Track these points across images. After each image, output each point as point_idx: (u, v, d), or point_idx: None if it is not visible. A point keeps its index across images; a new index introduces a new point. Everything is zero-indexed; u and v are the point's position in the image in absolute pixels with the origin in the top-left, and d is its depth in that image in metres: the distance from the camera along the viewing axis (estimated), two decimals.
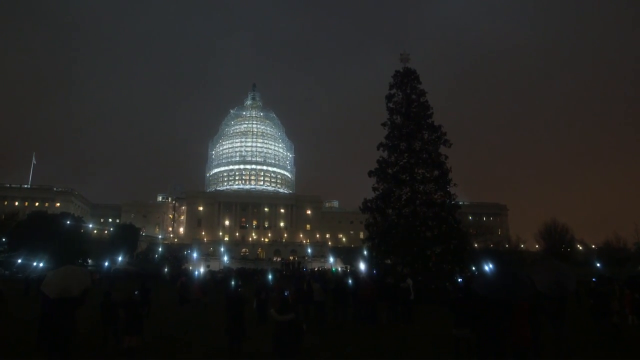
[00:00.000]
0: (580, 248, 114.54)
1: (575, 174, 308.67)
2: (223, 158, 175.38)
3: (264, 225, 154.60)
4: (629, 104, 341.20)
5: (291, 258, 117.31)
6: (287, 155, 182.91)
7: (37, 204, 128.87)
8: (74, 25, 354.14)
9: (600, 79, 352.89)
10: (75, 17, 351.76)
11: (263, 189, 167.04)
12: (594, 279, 30.35)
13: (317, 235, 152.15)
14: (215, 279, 49.35)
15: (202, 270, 74.11)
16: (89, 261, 77.90)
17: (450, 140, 35.87)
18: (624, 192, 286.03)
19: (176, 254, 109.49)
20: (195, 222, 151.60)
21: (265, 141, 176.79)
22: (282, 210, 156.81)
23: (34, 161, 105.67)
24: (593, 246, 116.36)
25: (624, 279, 33.07)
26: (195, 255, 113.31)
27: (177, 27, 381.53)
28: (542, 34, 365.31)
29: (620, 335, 14.83)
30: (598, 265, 77.14)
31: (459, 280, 28.83)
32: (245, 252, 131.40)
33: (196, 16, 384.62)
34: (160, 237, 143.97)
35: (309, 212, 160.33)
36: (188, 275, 48.98)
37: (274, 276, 44.93)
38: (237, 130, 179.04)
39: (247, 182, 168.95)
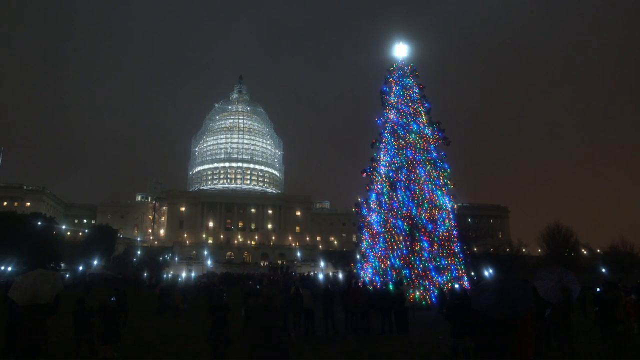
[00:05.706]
0: (585, 253, 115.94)
1: (580, 175, 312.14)
2: (207, 155, 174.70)
3: (251, 227, 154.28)
4: (636, 105, 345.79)
5: (279, 262, 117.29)
6: (275, 152, 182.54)
7: (5, 203, 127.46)
8: (45, 18, 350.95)
9: (607, 80, 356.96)
10: (48, 11, 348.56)
11: (250, 188, 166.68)
12: (597, 289, 30.63)
13: (307, 238, 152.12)
14: (199, 284, 49.25)
15: (183, 275, 73.96)
16: (62, 265, 77.29)
17: (449, 138, 36.00)
18: (631, 194, 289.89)
19: (156, 258, 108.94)
20: (176, 223, 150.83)
21: (252, 137, 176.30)
22: (270, 212, 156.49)
23: (0, 157, 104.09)
24: (598, 251, 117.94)
25: (631, 285, 33.40)
26: (176, 258, 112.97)
27: (157, 17, 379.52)
28: (548, 34, 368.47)
29: (626, 345, 14.97)
30: (604, 270, 77.99)
31: (457, 286, 28.95)
32: (231, 255, 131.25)
33: (179, 5, 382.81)
34: (139, 239, 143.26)
35: (298, 213, 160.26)
36: (168, 280, 48.83)
37: (261, 281, 44.93)
38: (222, 126, 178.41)
39: (233, 181, 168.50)
